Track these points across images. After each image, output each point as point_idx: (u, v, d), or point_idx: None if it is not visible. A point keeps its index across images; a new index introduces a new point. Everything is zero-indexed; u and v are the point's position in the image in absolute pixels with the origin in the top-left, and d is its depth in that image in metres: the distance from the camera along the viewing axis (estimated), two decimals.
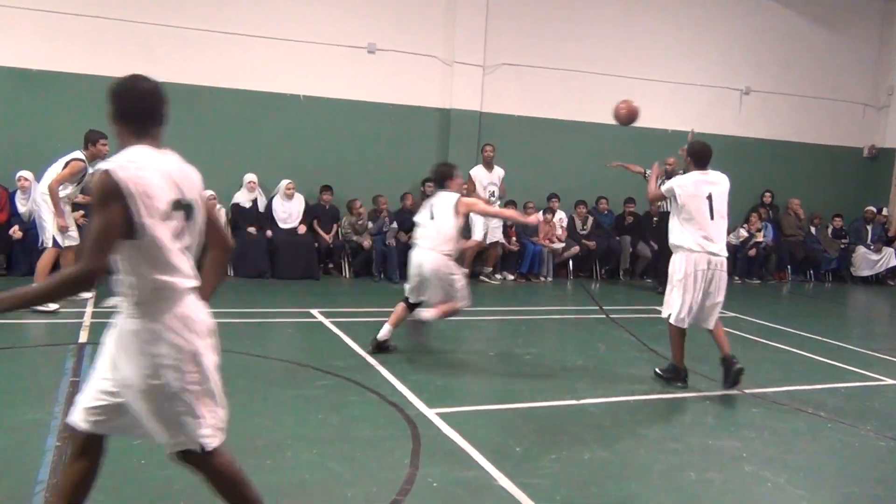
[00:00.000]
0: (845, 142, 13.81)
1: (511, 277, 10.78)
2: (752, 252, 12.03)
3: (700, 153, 5.65)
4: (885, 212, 13.73)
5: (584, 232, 11.42)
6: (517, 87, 11.36)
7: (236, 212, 9.80)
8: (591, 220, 11.51)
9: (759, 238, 12.21)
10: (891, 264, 12.89)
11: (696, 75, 12.42)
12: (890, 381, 6.43)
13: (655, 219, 11.68)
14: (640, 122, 11.86)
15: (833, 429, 5.08)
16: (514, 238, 10.84)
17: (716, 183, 5.59)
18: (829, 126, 13.63)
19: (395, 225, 10.19)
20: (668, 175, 10.39)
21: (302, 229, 9.88)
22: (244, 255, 9.52)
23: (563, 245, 11.13)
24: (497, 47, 11.12)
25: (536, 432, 4.64)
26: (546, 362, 6.39)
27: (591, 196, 11.66)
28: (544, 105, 11.54)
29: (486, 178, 9.93)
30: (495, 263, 10.60)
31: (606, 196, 11.69)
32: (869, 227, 13.15)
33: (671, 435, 4.78)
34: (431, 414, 4.78)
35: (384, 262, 9.96)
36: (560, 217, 11.36)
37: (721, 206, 5.55)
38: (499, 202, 9.87)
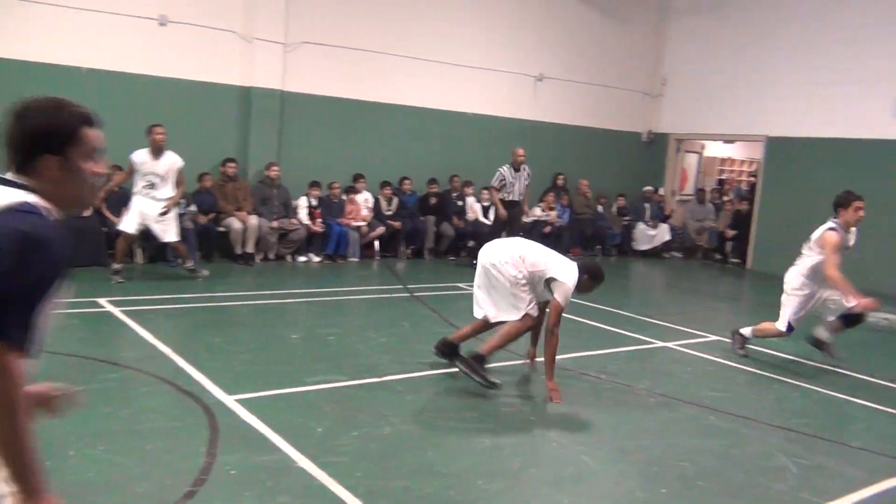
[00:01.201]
0: (627, 127, 15.01)
1: (317, 259, 10.69)
2: (547, 230, 12.79)
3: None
4: (660, 191, 15.13)
5: (390, 212, 11.55)
6: (321, 67, 11.20)
7: None
8: (395, 200, 11.66)
9: (553, 217, 12.99)
10: (665, 239, 14.25)
11: (496, 61, 12.91)
12: (661, 344, 7.13)
13: (460, 203, 12.11)
14: (445, 105, 12.39)
15: (612, 389, 5.56)
16: (318, 220, 10.74)
17: None
18: (613, 112, 14.73)
19: (193, 207, 9.73)
20: (516, 167, 10.79)
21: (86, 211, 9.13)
22: None
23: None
24: (299, 25, 10.88)
25: (338, 411, 4.67)
26: (349, 342, 6.42)
27: (395, 177, 11.80)
28: (349, 85, 11.48)
29: (147, 166, 8.20)
30: (183, 256, 8.84)
31: (410, 177, 11.89)
32: (647, 206, 14.42)
33: (468, 404, 5.00)
34: (230, 401, 4.65)
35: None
36: (366, 198, 11.40)
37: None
38: (161, 193, 8.28)
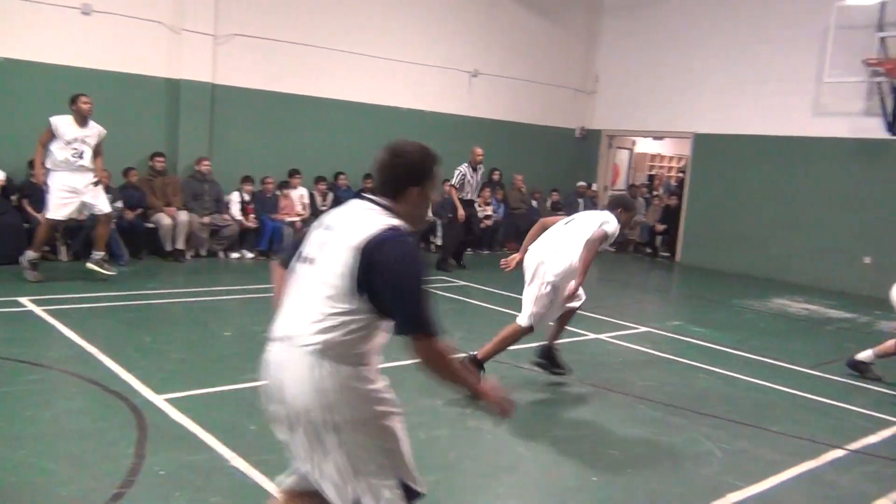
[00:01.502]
0: (560, 123, 15.23)
1: (250, 255, 10.52)
2: (483, 225, 12.88)
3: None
4: (594, 187, 15.41)
5: (325, 207, 11.44)
6: (253, 60, 11.00)
7: None
8: (331, 195, 11.56)
9: (489, 211, 13.09)
10: None
11: (431, 57, 12.91)
12: (593, 336, 7.27)
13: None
14: (379, 100, 12.34)
15: (545, 381, 5.64)
16: (251, 214, 10.57)
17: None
18: (547, 109, 14.92)
19: (119, 203, 9.45)
20: (474, 166, 10.75)
21: None
22: None
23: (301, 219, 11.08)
24: (229, 17, 10.65)
25: None
26: None
27: (330, 171, 11.70)
28: (282, 79, 11.31)
29: (74, 133, 7.69)
30: (106, 245, 8.53)
31: (345, 171, 11.80)
32: (581, 200, 14.66)
33: (403, 398, 4.94)
34: (160, 401, 4.55)
35: (108, 241, 9.19)
36: (301, 193, 11.27)
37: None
38: (89, 162, 7.80)
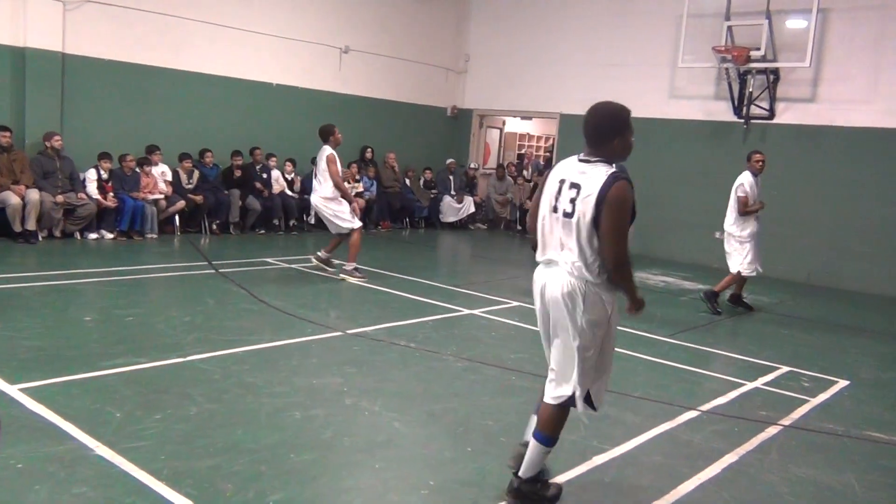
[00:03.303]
0: (433, 102, 15.33)
1: (110, 236, 9.97)
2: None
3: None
4: (472, 165, 15.65)
5: (191, 186, 11.01)
6: (108, 29, 10.36)
7: None
8: (196, 173, 11.12)
9: (360, 188, 13.02)
10: (471, 211, 14.79)
11: (300, 31, 12.63)
12: (467, 311, 7.43)
13: (265, 175, 11.78)
14: (248, 75, 11.94)
15: (420, 356, 5.73)
16: (110, 193, 10.01)
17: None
18: (419, 87, 14.97)
19: None
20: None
21: None
22: None
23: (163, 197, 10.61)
24: None
25: (139, 395, 4.43)
26: (151, 322, 6.09)
27: (195, 148, 11.23)
28: (141, 50, 10.72)
29: None
30: None
31: (212, 149, 11.38)
32: (451, 178, 14.86)
33: (278, 379, 4.94)
34: (14, 391, 4.27)
35: None
36: (163, 171, 10.78)
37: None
38: None
